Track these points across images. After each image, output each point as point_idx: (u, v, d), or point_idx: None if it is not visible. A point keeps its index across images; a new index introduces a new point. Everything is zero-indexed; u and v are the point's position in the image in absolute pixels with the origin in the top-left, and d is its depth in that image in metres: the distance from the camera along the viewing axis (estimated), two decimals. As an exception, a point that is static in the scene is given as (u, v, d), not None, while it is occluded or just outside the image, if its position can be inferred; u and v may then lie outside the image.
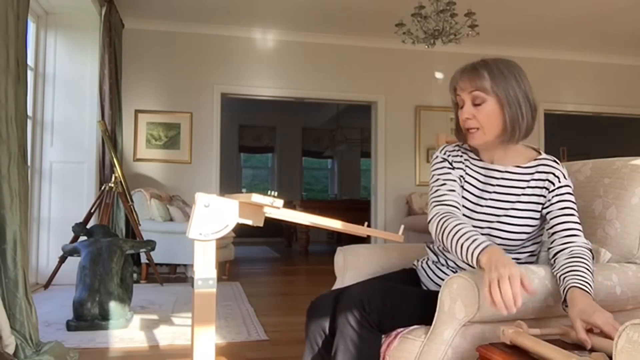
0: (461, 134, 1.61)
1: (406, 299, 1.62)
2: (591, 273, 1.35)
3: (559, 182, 1.55)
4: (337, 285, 2.00)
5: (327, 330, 1.60)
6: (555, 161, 1.59)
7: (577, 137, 9.29)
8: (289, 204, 8.84)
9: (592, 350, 1.12)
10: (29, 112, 3.65)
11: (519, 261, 1.59)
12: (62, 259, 4.27)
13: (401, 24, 4.91)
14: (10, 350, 2.08)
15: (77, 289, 3.18)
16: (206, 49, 6.33)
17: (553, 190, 1.54)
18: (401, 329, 1.55)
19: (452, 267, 1.66)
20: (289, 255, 8.70)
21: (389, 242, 1.96)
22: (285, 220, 1.80)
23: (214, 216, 1.44)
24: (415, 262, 1.84)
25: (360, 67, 6.71)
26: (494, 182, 1.60)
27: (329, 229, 2.01)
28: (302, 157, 12.01)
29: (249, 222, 1.54)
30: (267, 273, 6.59)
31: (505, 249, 1.45)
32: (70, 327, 3.07)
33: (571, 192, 1.55)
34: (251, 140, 11.65)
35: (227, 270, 5.54)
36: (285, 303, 4.57)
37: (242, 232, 4.43)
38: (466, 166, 1.64)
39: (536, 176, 1.57)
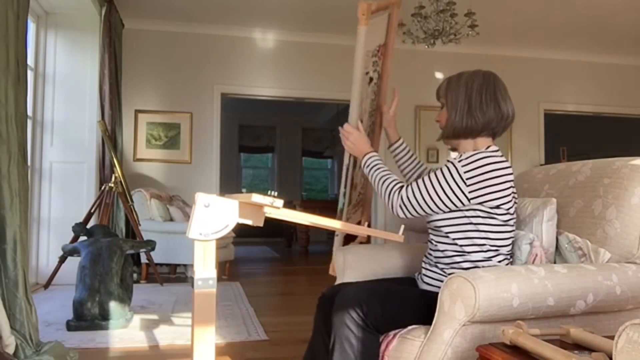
0: None
1: (404, 300, 1.63)
2: (380, 174, 1.78)
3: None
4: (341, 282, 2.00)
5: (331, 323, 1.62)
6: (474, 150, 1.66)
7: (577, 137, 9.28)
8: (289, 204, 8.84)
9: (592, 350, 1.12)
10: (29, 112, 3.65)
11: (450, 245, 1.68)
12: (62, 259, 4.27)
13: (401, 24, 4.91)
14: (10, 350, 2.08)
15: (77, 289, 3.18)
16: (206, 49, 6.33)
17: None
18: (399, 329, 1.55)
19: (431, 262, 1.75)
20: (289, 255, 8.70)
21: (389, 242, 1.96)
22: (285, 220, 1.79)
23: (214, 216, 1.44)
24: (416, 274, 1.86)
25: (360, 67, 6.70)
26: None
27: (329, 229, 2.01)
28: (302, 157, 12.01)
29: (249, 222, 1.54)
30: (267, 273, 6.59)
31: (438, 228, 1.70)
32: (70, 327, 3.07)
33: (445, 164, 1.65)
34: (251, 140, 11.64)
35: (227, 270, 5.54)
36: (285, 303, 4.57)
37: (242, 232, 4.43)
38: None
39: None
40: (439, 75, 6.87)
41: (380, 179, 1.75)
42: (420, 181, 1.66)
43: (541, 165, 5.81)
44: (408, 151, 2.09)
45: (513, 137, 7.00)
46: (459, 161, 1.61)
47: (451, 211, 1.64)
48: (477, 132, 1.69)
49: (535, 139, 7.13)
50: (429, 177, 1.65)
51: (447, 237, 1.68)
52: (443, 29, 4.88)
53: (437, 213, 1.66)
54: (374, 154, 1.84)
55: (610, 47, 6.93)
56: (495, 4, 5.48)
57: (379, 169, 1.78)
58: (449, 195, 1.60)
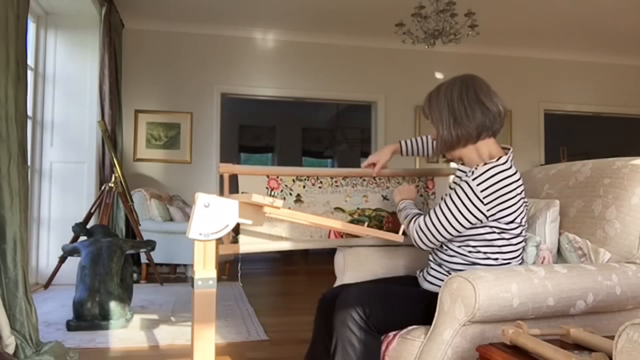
0: None
1: (405, 300, 1.62)
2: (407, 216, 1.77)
3: (464, 178, 1.65)
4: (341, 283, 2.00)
5: (331, 324, 1.61)
6: (485, 164, 1.61)
7: (577, 137, 9.28)
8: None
9: (592, 350, 1.12)
10: (29, 112, 3.66)
11: (459, 255, 1.66)
12: (62, 259, 4.27)
13: (401, 24, 4.91)
14: (10, 350, 2.08)
15: (77, 289, 3.17)
16: (206, 49, 6.33)
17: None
18: (400, 330, 1.55)
19: (436, 261, 1.73)
20: (289, 255, 8.69)
21: (389, 242, 1.96)
22: (285, 220, 1.79)
23: (214, 216, 1.44)
24: (417, 272, 1.86)
25: (360, 67, 6.71)
26: (455, 179, 1.80)
27: (329, 229, 2.02)
28: (302, 157, 12.01)
29: (249, 222, 1.54)
30: (267, 273, 6.58)
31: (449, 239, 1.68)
32: (70, 327, 3.07)
33: (460, 185, 1.62)
34: (251, 140, 11.64)
35: (227, 270, 5.54)
36: (285, 303, 4.57)
37: (242, 232, 4.43)
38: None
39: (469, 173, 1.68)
40: (439, 76, 6.86)
41: (405, 217, 1.77)
42: (436, 207, 1.65)
43: (541, 165, 5.81)
44: (414, 142, 2.10)
45: (513, 137, 6.99)
46: (473, 179, 1.58)
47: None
48: (473, 138, 1.65)
49: (535, 139, 7.13)
50: (445, 201, 1.63)
51: (459, 248, 1.66)
52: (443, 29, 4.88)
53: (457, 236, 1.65)
54: (407, 200, 1.85)
55: (610, 47, 6.93)
56: (495, 4, 5.48)
57: (405, 208, 1.81)
58: (467, 217, 1.58)
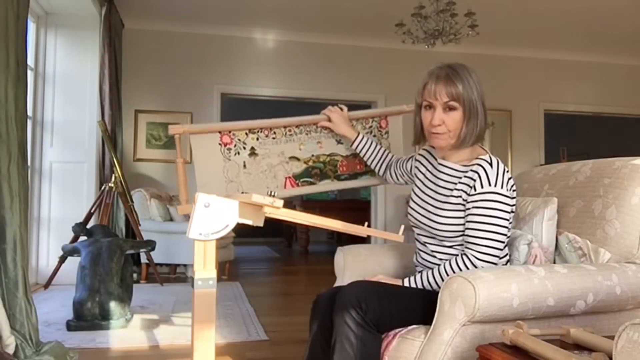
0: (420, 134, 1.71)
1: (404, 299, 1.62)
2: (428, 276, 1.61)
3: (479, 188, 1.57)
4: (338, 285, 2.00)
5: (328, 326, 1.61)
6: (489, 164, 1.59)
7: (577, 137, 9.28)
8: (289, 204, 8.81)
9: (592, 350, 1.12)
10: (29, 112, 3.66)
11: (452, 254, 1.64)
12: (62, 259, 4.27)
13: (401, 24, 4.92)
14: (10, 350, 2.08)
15: (77, 289, 3.18)
16: (206, 49, 6.33)
17: (471, 195, 1.59)
18: (400, 329, 1.55)
19: (422, 263, 1.74)
20: (289, 255, 8.70)
21: (389, 242, 1.96)
22: (285, 220, 1.80)
23: (214, 216, 1.44)
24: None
25: (360, 67, 6.71)
26: (439, 175, 1.71)
27: (329, 229, 2.02)
28: (302, 157, 11.99)
29: (249, 222, 1.54)
30: (267, 273, 6.59)
31: (440, 239, 1.65)
32: (70, 327, 3.07)
33: (489, 199, 1.55)
34: (251, 140, 11.63)
35: (227, 270, 5.54)
36: (285, 303, 4.57)
37: (242, 232, 4.44)
38: (422, 157, 1.83)
39: (469, 174, 1.62)
40: (439, 75, 6.85)
41: (432, 280, 1.60)
42: (479, 232, 1.55)
43: (541, 165, 5.81)
44: (371, 144, 2.03)
45: (513, 137, 7.00)
46: (495, 186, 1.56)
47: (461, 225, 1.61)
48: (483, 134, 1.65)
49: (535, 139, 7.14)
50: (485, 220, 1.54)
51: (450, 248, 1.65)
52: (443, 29, 4.88)
53: (450, 237, 1.63)
54: (406, 279, 1.66)
55: (610, 47, 6.93)
56: (495, 4, 5.49)
57: (417, 277, 1.63)
58: (509, 218, 1.58)
